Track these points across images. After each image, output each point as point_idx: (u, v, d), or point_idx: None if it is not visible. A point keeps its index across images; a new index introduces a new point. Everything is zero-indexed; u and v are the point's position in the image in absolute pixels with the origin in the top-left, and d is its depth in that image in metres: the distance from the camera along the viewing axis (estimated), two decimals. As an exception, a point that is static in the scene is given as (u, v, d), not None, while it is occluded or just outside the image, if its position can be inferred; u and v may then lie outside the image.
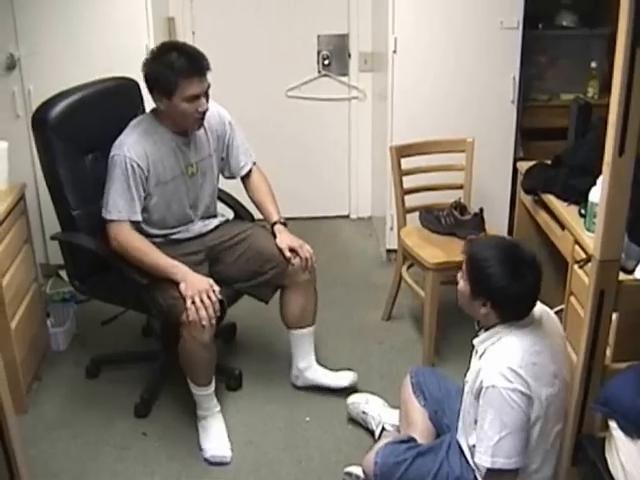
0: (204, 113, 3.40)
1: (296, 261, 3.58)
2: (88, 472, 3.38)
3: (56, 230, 3.65)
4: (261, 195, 3.79)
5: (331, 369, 3.87)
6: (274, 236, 3.63)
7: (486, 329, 2.77)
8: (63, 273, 4.63)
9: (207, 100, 3.39)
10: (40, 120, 3.52)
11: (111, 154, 3.40)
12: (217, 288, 3.32)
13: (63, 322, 4.26)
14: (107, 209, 3.40)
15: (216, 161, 3.69)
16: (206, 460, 3.42)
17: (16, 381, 3.57)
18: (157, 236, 3.55)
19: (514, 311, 2.69)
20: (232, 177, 3.85)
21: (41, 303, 4.13)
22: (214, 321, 3.30)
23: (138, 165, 3.36)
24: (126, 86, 3.90)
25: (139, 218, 3.44)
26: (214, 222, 3.74)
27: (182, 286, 3.29)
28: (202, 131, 3.56)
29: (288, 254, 3.56)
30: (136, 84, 3.86)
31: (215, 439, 3.48)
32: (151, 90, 3.39)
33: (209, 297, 3.27)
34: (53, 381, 3.97)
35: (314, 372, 3.83)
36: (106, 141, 3.50)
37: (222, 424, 3.55)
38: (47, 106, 3.54)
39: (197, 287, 3.27)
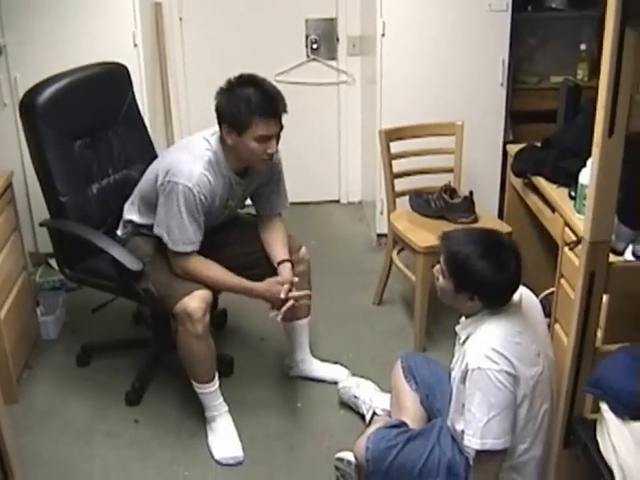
0: (272, 155, 3.29)
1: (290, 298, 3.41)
2: (80, 460, 3.37)
3: (45, 218, 3.63)
4: (278, 236, 3.59)
5: (322, 356, 3.88)
6: (271, 271, 3.48)
7: (467, 316, 2.78)
8: (53, 261, 4.60)
9: (277, 142, 3.28)
10: (27, 106, 3.51)
11: (176, 180, 3.22)
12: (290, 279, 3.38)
13: (53, 310, 4.25)
14: (171, 239, 3.29)
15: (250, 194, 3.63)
16: (217, 462, 3.37)
17: (6, 370, 3.58)
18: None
19: (499, 298, 2.70)
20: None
21: (30, 292, 4.11)
22: (208, 317, 3.29)
23: (205, 197, 3.26)
24: (115, 71, 3.89)
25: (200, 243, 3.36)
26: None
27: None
28: (258, 173, 3.48)
29: (287, 294, 3.36)
30: (125, 69, 3.85)
31: (225, 440, 3.43)
32: (221, 122, 3.25)
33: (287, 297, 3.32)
34: (44, 370, 3.96)
35: (310, 365, 3.83)
36: (94, 127, 3.48)
37: (231, 424, 3.48)
38: (34, 92, 3.52)
39: (271, 296, 3.34)
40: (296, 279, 3.42)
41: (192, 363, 3.38)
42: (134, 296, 3.55)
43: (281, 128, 3.24)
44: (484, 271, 2.61)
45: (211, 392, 3.43)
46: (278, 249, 3.53)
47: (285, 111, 3.21)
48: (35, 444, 3.44)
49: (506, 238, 2.89)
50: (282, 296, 3.31)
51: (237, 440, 3.43)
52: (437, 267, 2.78)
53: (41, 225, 3.65)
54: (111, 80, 3.87)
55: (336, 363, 3.88)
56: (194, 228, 3.27)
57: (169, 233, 3.28)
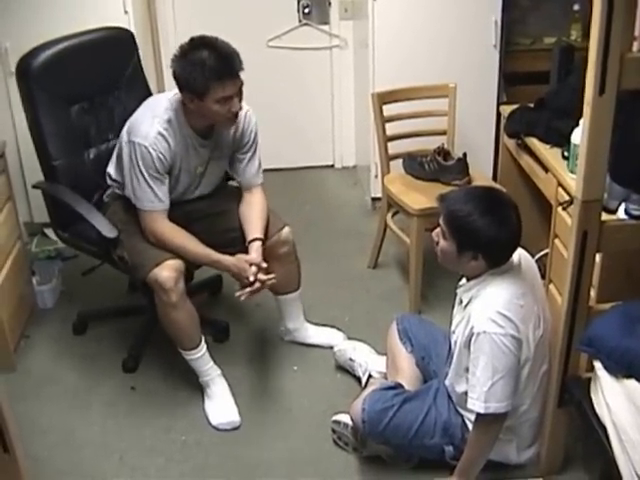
0: (237, 114, 3.27)
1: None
2: (77, 428, 3.39)
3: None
4: (254, 212, 3.53)
5: (317, 320, 3.89)
6: (246, 251, 3.41)
7: (469, 279, 2.77)
8: (48, 231, 4.62)
9: (240, 99, 3.25)
10: (22, 70, 3.51)
11: (133, 139, 3.26)
12: (264, 265, 3.34)
13: (49, 280, 4.25)
14: (137, 198, 3.33)
15: (228, 158, 3.59)
16: (214, 427, 3.38)
17: (3, 339, 3.59)
18: None
19: (503, 255, 2.71)
20: (231, 178, 3.74)
21: (26, 261, 4.12)
22: (182, 286, 3.28)
23: (164, 156, 3.27)
24: (118, 36, 3.87)
25: (168, 204, 3.37)
26: (214, 185, 3.67)
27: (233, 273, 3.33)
28: (223, 133, 3.46)
29: (254, 271, 3.30)
30: (131, 35, 3.84)
31: (221, 405, 3.44)
32: (180, 89, 3.22)
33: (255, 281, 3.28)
34: (41, 338, 3.97)
35: (305, 332, 3.84)
36: (93, 92, 3.48)
37: (226, 388, 3.49)
38: (30, 56, 3.52)
39: (237, 272, 3.30)
40: (264, 264, 3.34)
41: (174, 332, 3.38)
42: (114, 263, 3.54)
43: (241, 84, 3.22)
44: (487, 227, 2.61)
45: (198, 357, 3.43)
46: (252, 226, 3.46)
47: (241, 68, 3.19)
48: (33, 412, 3.45)
49: (503, 193, 2.89)
50: (251, 279, 3.27)
51: (233, 405, 3.43)
52: (436, 230, 2.77)
53: (33, 187, 3.67)
54: (114, 45, 3.84)
55: (332, 327, 3.89)
56: (157, 186, 3.30)
57: (134, 191, 3.32)
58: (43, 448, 3.26)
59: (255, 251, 3.37)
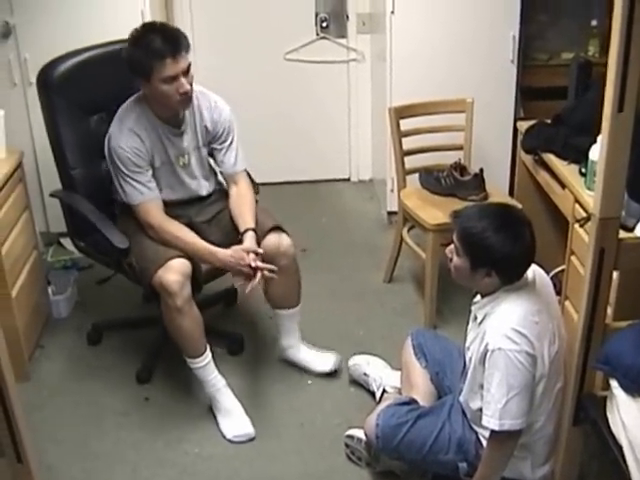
0: (186, 94, 3.31)
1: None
2: (91, 438, 3.39)
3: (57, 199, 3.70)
4: (244, 205, 3.57)
5: (332, 334, 3.90)
6: (241, 241, 3.44)
7: (483, 295, 2.76)
8: (64, 241, 4.63)
9: (190, 82, 3.31)
10: (43, 80, 3.59)
11: (109, 144, 3.42)
12: (260, 251, 3.36)
13: (64, 290, 4.26)
14: (127, 196, 3.43)
15: (206, 152, 3.65)
16: (230, 441, 3.37)
17: (18, 349, 3.58)
18: None
19: (516, 272, 2.69)
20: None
21: (42, 271, 4.13)
22: (188, 291, 3.28)
23: (139, 150, 3.39)
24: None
25: (159, 194, 3.46)
26: (204, 186, 3.70)
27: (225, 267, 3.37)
28: (193, 122, 3.52)
29: (252, 260, 3.34)
30: None
31: (233, 418, 3.42)
32: (132, 75, 3.34)
33: (249, 265, 3.30)
34: (55, 348, 3.98)
35: (297, 352, 3.77)
36: (113, 102, 3.50)
37: (233, 399, 3.46)
38: (52, 66, 3.59)
39: (236, 263, 3.32)
40: (261, 250, 3.38)
41: (178, 338, 3.38)
42: (126, 273, 3.56)
43: (188, 66, 3.29)
44: (501, 244, 2.59)
45: (203, 366, 3.41)
46: (242, 219, 3.50)
47: (186, 49, 3.28)
48: (47, 422, 3.45)
49: (517, 210, 2.88)
50: (252, 264, 3.30)
51: (244, 415, 3.42)
52: (450, 247, 2.76)
53: (51, 195, 3.72)
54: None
55: (332, 350, 3.79)
56: (140, 178, 3.40)
57: (123, 192, 3.43)
58: (57, 458, 3.26)
59: (249, 240, 3.40)
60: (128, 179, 3.39)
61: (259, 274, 3.32)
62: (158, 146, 3.45)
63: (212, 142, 3.61)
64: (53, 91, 3.55)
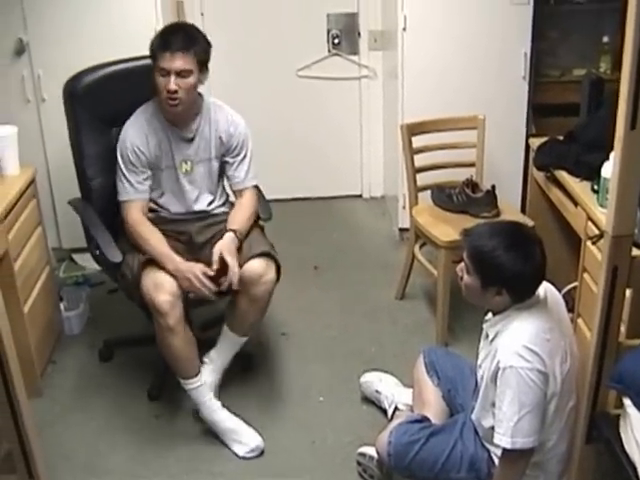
0: (170, 92, 3.32)
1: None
2: (101, 455, 3.39)
3: (69, 215, 3.75)
4: (240, 211, 3.59)
5: (341, 352, 3.89)
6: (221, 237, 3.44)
7: (495, 313, 2.75)
8: (76, 257, 4.64)
9: (183, 85, 3.32)
10: (68, 91, 3.67)
11: (119, 138, 3.51)
12: (210, 272, 3.30)
13: (76, 306, 4.26)
14: (118, 192, 3.51)
15: (217, 166, 3.65)
16: (243, 458, 3.35)
17: (30, 365, 3.58)
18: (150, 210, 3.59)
19: (527, 290, 2.68)
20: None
21: (54, 287, 4.14)
22: (180, 311, 3.27)
23: (140, 149, 3.46)
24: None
25: (146, 197, 3.52)
26: (207, 199, 3.69)
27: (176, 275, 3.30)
28: (208, 132, 3.54)
29: (215, 258, 3.33)
30: None
31: (238, 435, 3.40)
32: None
33: (200, 281, 3.27)
34: (67, 364, 3.98)
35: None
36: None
37: (231, 416, 3.42)
38: (76, 78, 3.68)
39: (187, 274, 3.28)
40: (211, 272, 3.30)
41: (170, 357, 3.36)
42: (121, 286, 3.59)
43: (186, 70, 3.32)
44: (511, 263, 2.59)
45: (194, 388, 3.39)
46: (230, 221, 3.51)
47: (186, 49, 3.31)
48: (58, 438, 3.45)
49: (527, 228, 2.87)
50: (200, 276, 3.26)
51: (249, 429, 3.40)
52: (460, 265, 2.75)
53: (69, 203, 3.75)
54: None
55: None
56: (132, 176, 3.48)
57: (117, 186, 3.53)
58: (68, 474, 3.26)
59: (225, 239, 3.40)
60: (121, 174, 3.48)
61: (211, 285, 3.29)
62: (165, 148, 3.51)
63: (225, 155, 3.62)
64: (77, 102, 3.63)
